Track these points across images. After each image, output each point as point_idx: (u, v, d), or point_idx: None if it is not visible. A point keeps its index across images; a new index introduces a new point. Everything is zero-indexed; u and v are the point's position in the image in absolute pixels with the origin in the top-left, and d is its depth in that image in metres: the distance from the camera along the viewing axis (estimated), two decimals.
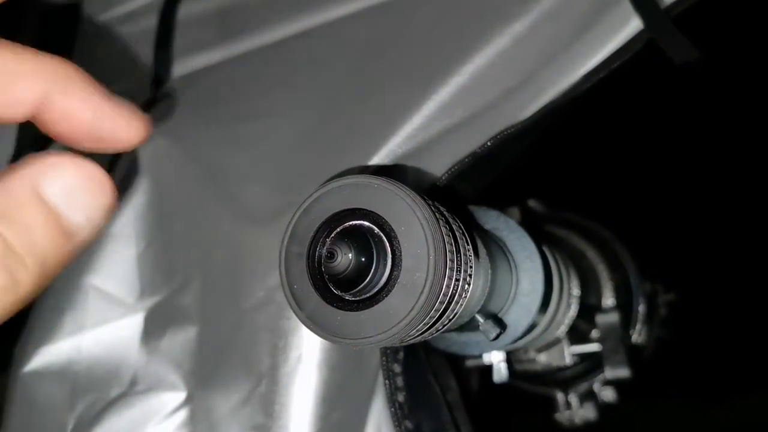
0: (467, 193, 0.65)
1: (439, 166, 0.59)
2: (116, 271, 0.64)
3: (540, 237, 0.67)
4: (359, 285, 0.40)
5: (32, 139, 0.75)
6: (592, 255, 0.92)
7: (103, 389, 0.62)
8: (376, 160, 0.57)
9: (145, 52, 0.78)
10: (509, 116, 0.59)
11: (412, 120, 0.57)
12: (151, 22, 0.79)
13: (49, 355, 0.63)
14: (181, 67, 0.76)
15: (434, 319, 0.42)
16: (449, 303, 0.42)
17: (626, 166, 1.07)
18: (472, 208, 0.61)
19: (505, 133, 0.58)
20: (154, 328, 0.62)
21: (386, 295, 0.40)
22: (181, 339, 0.61)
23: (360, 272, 0.40)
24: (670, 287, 1.04)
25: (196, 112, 0.70)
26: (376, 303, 0.40)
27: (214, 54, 0.74)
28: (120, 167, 0.68)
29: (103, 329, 0.63)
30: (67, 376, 0.62)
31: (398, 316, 0.39)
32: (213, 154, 0.65)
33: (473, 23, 0.59)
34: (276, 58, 0.70)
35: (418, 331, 0.41)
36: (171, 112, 0.72)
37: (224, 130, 0.67)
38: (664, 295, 1.04)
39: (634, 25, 0.56)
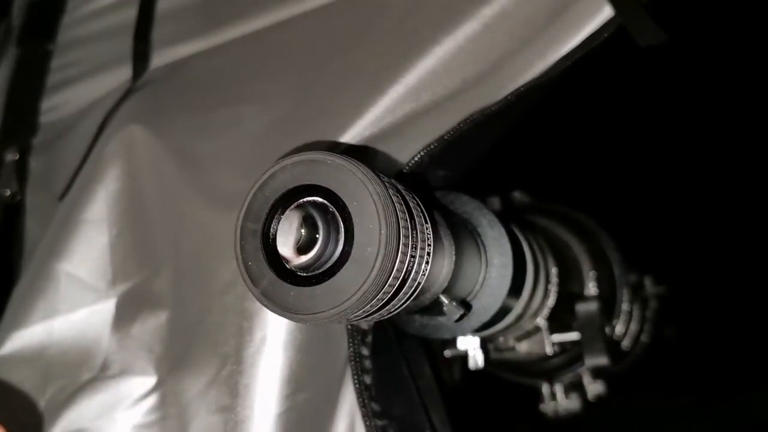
0: (443, 180, 0.65)
1: (408, 150, 0.59)
2: (88, 257, 0.64)
3: (516, 224, 0.67)
4: (310, 259, 0.40)
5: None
6: (576, 245, 0.92)
7: (74, 374, 0.62)
8: (343, 141, 0.57)
9: (125, 43, 0.79)
10: (480, 101, 0.59)
11: (378, 103, 0.57)
12: (132, 13, 0.80)
13: (21, 339, 0.63)
14: (158, 58, 0.77)
15: (389, 295, 0.41)
16: (405, 279, 0.42)
17: (604, 154, 1.07)
18: (443, 192, 0.61)
19: (476, 117, 0.58)
20: (125, 314, 0.63)
21: (339, 270, 0.40)
22: (152, 324, 0.61)
23: (311, 247, 0.40)
24: (657, 280, 1.04)
25: (170, 101, 0.70)
26: (329, 278, 0.40)
27: (190, 45, 0.75)
28: (93, 154, 0.68)
29: (74, 315, 0.63)
30: (39, 360, 0.63)
31: (351, 290, 0.39)
32: (186, 142, 0.66)
33: (442, 7, 0.58)
34: (250, 48, 0.70)
35: (373, 307, 0.41)
36: (147, 101, 0.72)
37: (198, 118, 0.67)
38: (651, 288, 1.04)
39: (605, 11, 0.56)
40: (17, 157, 0.81)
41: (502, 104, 0.58)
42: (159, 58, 0.77)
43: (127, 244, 0.64)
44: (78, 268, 0.64)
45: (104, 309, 0.63)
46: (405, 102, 0.57)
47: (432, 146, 0.58)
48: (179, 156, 0.65)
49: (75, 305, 0.63)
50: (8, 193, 0.80)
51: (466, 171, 0.68)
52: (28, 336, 0.63)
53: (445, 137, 0.58)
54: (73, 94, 0.81)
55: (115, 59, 0.79)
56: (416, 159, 0.58)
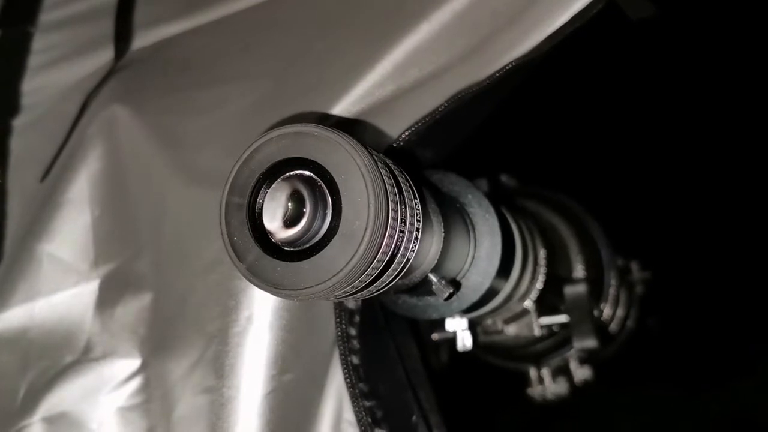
0: (429, 161, 0.65)
1: (396, 127, 0.58)
2: (70, 238, 0.63)
3: (504, 205, 0.67)
4: (297, 234, 0.39)
5: None
6: (564, 229, 0.92)
7: (56, 356, 0.61)
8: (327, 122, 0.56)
9: (106, 25, 0.78)
10: (468, 78, 0.58)
11: (366, 78, 0.56)
12: None
13: (2, 322, 0.62)
14: (140, 39, 0.76)
15: (378, 271, 0.41)
16: (393, 255, 0.41)
17: (596, 137, 1.07)
18: (431, 170, 0.60)
19: (464, 94, 0.57)
20: (108, 296, 0.62)
21: (326, 245, 0.39)
22: (135, 306, 0.60)
23: (298, 221, 0.39)
24: (645, 265, 1.04)
25: (152, 81, 0.70)
26: (316, 253, 0.39)
27: (172, 26, 0.74)
28: (75, 135, 0.67)
29: (56, 296, 0.62)
30: (20, 343, 0.62)
31: (338, 265, 0.38)
32: (169, 122, 0.65)
33: None
34: (233, 28, 0.70)
35: (361, 283, 0.40)
36: (129, 82, 0.71)
37: (180, 98, 0.66)
38: (639, 273, 1.04)
39: None
40: None
41: (490, 81, 0.57)
42: (141, 39, 0.76)
43: (110, 224, 0.63)
44: (60, 249, 0.63)
45: (87, 291, 0.62)
46: (392, 78, 0.56)
47: (420, 123, 0.57)
48: (162, 136, 0.64)
49: (57, 287, 0.62)
50: None
51: (451, 152, 0.68)
52: (9, 318, 0.62)
53: (434, 115, 0.57)
54: (55, 76, 0.80)
55: (96, 41, 0.78)
56: (404, 136, 0.57)
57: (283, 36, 0.66)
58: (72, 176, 0.64)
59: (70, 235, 0.63)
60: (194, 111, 0.64)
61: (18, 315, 0.62)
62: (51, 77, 0.80)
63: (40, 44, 0.82)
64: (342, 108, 0.56)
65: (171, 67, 0.70)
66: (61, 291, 0.62)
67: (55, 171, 0.67)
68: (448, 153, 0.67)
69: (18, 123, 0.81)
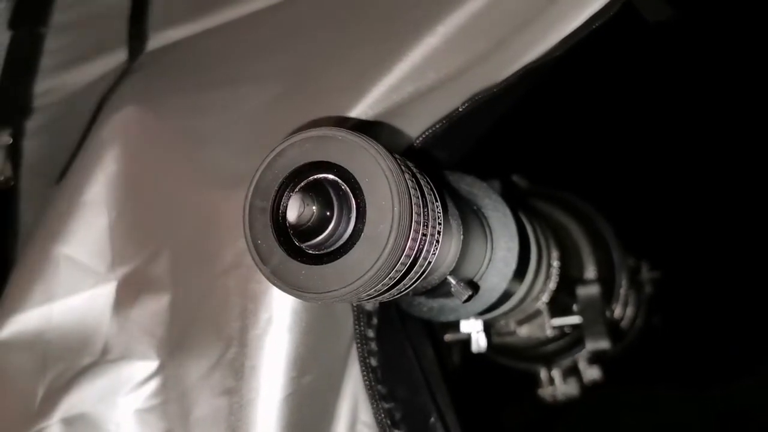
0: (445, 161, 0.65)
1: (412, 129, 0.58)
2: (87, 240, 0.63)
3: (518, 206, 0.67)
4: (323, 238, 0.39)
5: None
6: (575, 229, 0.92)
7: (74, 358, 0.61)
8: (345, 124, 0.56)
9: (119, 27, 0.78)
10: (485, 80, 0.58)
11: (383, 81, 0.56)
12: None
13: (19, 324, 0.62)
14: (153, 41, 0.76)
15: (401, 274, 0.41)
16: (416, 258, 0.41)
17: (607, 138, 1.07)
18: (448, 172, 0.60)
19: (481, 95, 0.57)
20: (125, 298, 0.62)
21: (351, 248, 0.39)
22: (152, 308, 0.60)
23: (324, 225, 0.39)
24: (654, 265, 1.04)
25: (167, 83, 0.70)
26: (341, 256, 0.39)
27: (185, 28, 0.74)
28: (90, 136, 0.67)
29: (74, 298, 0.62)
30: (38, 345, 0.62)
31: (363, 268, 0.38)
32: (183, 123, 0.65)
33: None
34: (246, 29, 0.70)
35: (384, 286, 0.40)
36: (143, 83, 0.71)
37: (195, 99, 0.66)
38: (648, 273, 1.04)
39: None
40: (10, 141, 0.80)
41: (507, 83, 0.57)
42: (154, 41, 0.77)
43: (127, 226, 0.63)
44: (77, 251, 0.63)
45: (104, 293, 0.62)
46: (409, 81, 0.56)
47: (438, 125, 0.57)
48: (177, 137, 0.64)
49: (74, 289, 0.63)
50: (2, 178, 0.79)
51: (464, 154, 0.68)
52: (27, 320, 0.62)
53: (451, 117, 0.57)
54: (68, 77, 0.81)
55: (109, 42, 0.78)
56: (421, 138, 0.57)
57: (297, 37, 0.66)
58: (89, 178, 0.65)
59: (87, 237, 0.63)
60: (209, 112, 0.65)
61: (35, 317, 0.62)
62: (64, 78, 0.81)
63: (53, 45, 0.83)
64: (359, 111, 0.56)
65: (186, 69, 0.70)
66: (79, 293, 0.63)
67: (71, 173, 0.68)
68: (459, 155, 0.67)
69: (31, 125, 0.81)
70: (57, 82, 0.81)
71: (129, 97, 0.68)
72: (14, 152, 0.80)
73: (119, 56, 0.77)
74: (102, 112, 0.69)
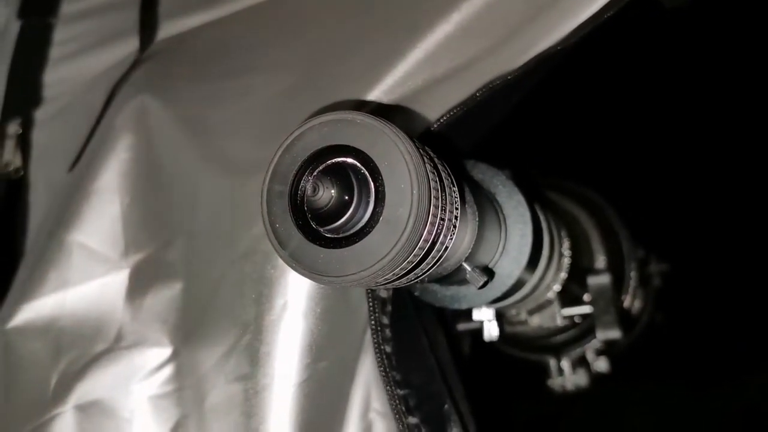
0: (459, 148, 0.65)
1: (427, 117, 0.58)
2: (101, 228, 0.63)
3: (531, 195, 0.67)
4: (342, 222, 0.39)
5: None
6: (585, 220, 0.92)
7: (87, 345, 0.61)
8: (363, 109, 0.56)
9: (130, 15, 0.78)
10: (499, 67, 0.58)
11: (397, 68, 0.56)
12: None
13: (33, 311, 0.62)
14: (164, 30, 0.76)
15: (419, 258, 0.41)
16: (434, 242, 0.41)
17: (619, 129, 1.06)
18: (463, 160, 0.60)
19: (496, 83, 0.57)
20: (139, 285, 0.62)
21: (369, 232, 0.39)
22: (166, 294, 0.60)
23: (343, 209, 0.39)
24: (663, 256, 1.04)
25: (179, 71, 0.70)
26: (360, 240, 0.39)
27: (197, 17, 0.74)
28: (103, 124, 0.67)
29: (87, 285, 0.62)
30: (51, 332, 0.62)
31: (381, 252, 0.38)
32: (197, 111, 0.65)
33: None
34: (258, 18, 0.69)
35: (402, 270, 0.40)
36: (155, 72, 0.71)
37: (208, 87, 0.66)
38: (656, 266, 1.04)
39: None
40: (20, 131, 0.80)
41: (522, 71, 0.57)
42: (165, 30, 0.76)
43: (140, 213, 0.63)
44: (90, 238, 0.63)
45: (117, 280, 0.62)
46: (423, 69, 0.56)
47: (452, 113, 0.57)
48: (189, 125, 0.64)
49: (87, 276, 0.63)
50: (12, 168, 0.79)
51: (476, 142, 0.68)
52: (40, 307, 0.62)
53: (465, 104, 0.57)
54: (78, 67, 0.80)
55: (120, 31, 0.78)
56: (436, 126, 0.57)
57: (311, 26, 0.66)
58: (101, 166, 0.65)
59: (100, 224, 0.64)
60: (222, 100, 0.64)
61: (49, 304, 0.62)
62: (74, 68, 0.80)
63: (63, 35, 0.82)
64: (374, 98, 0.56)
65: (198, 58, 0.70)
66: (92, 280, 0.63)
67: (83, 161, 0.68)
68: (474, 143, 0.67)
69: (41, 114, 0.81)
70: (69, 72, 0.81)
71: (141, 86, 0.68)
72: (24, 142, 0.80)
73: (131, 45, 0.77)
74: (114, 101, 0.69)
